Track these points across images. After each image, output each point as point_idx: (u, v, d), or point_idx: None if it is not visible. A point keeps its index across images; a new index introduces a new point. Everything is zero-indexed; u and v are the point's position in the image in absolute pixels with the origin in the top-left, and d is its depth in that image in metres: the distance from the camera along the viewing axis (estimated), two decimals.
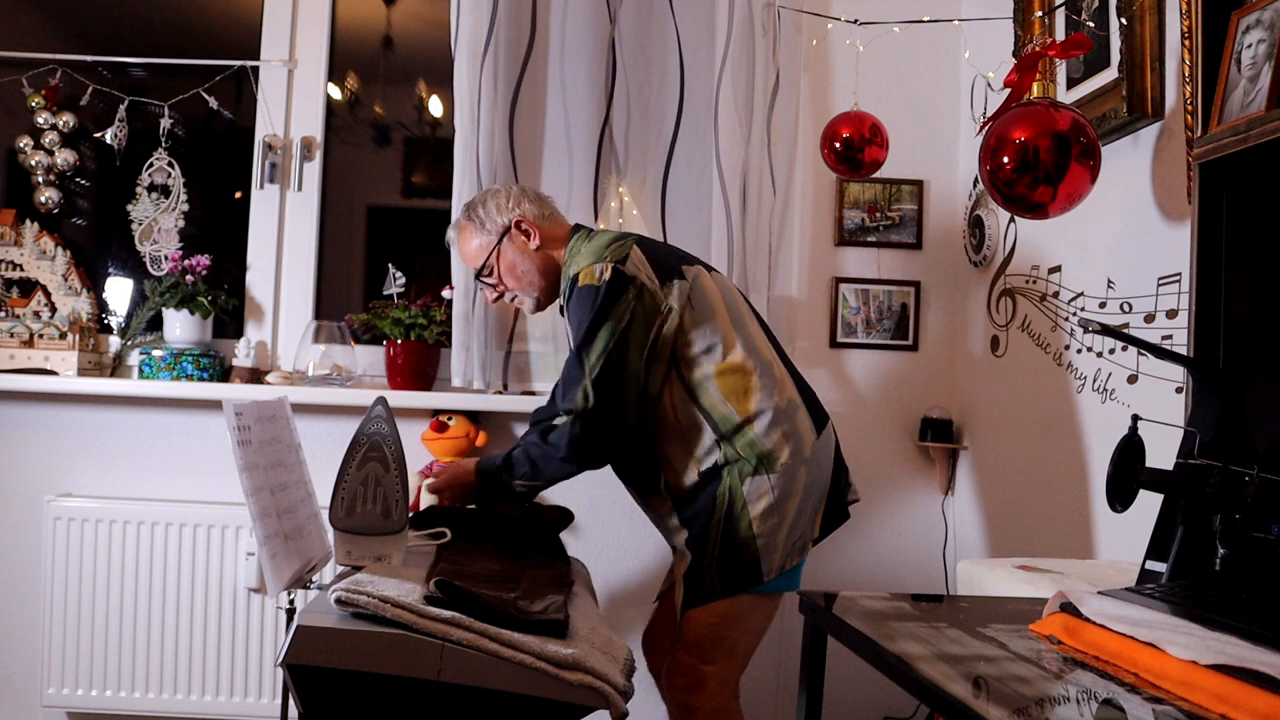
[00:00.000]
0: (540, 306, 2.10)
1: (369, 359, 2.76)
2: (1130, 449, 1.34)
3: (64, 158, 2.78)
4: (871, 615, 1.29)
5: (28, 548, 2.62)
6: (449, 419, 2.61)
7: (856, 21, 2.49)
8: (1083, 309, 2.14)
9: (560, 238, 2.07)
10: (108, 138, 2.73)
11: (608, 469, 2.01)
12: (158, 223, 2.78)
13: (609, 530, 2.71)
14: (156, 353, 2.63)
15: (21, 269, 2.70)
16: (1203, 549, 1.31)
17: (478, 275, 2.07)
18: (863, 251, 2.80)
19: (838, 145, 2.43)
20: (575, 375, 1.86)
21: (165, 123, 2.77)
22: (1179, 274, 1.81)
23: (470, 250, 2.07)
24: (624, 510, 2.71)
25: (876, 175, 2.55)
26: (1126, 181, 1.99)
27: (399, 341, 2.63)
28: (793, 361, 2.07)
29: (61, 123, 2.77)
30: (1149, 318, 1.89)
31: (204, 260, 2.70)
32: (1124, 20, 1.91)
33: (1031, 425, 2.37)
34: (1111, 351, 2.04)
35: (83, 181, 2.87)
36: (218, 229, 2.87)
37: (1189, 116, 1.73)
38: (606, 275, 1.85)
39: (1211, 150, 1.51)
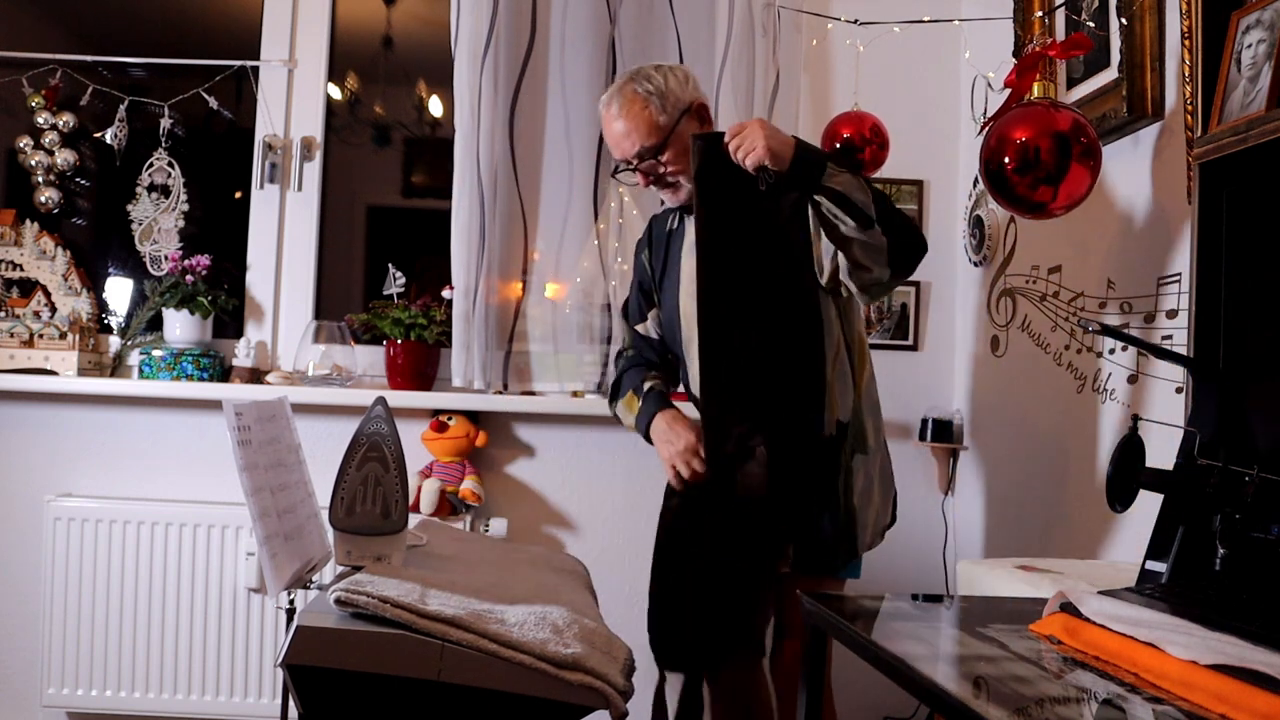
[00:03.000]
0: (688, 198, 1.94)
1: (369, 359, 2.76)
2: (1130, 449, 1.34)
3: (64, 158, 2.78)
4: (871, 615, 1.29)
5: (28, 548, 2.62)
6: (449, 419, 2.61)
7: (856, 21, 2.49)
8: (1083, 309, 2.14)
9: None
10: (108, 138, 2.73)
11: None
12: (158, 223, 2.78)
13: (609, 530, 2.71)
14: (156, 353, 2.63)
15: (21, 269, 2.70)
16: (1203, 549, 1.31)
17: (641, 157, 1.89)
18: None
19: (838, 145, 2.43)
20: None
21: (165, 123, 2.77)
22: (1179, 274, 1.81)
23: (641, 128, 1.86)
24: (624, 510, 2.71)
25: (876, 175, 2.55)
26: (1126, 181, 1.99)
27: (399, 341, 2.63)
28: None
29: (61, 123, 2.77)
30: (1149, 318, 1.89)
31: (204, 260, 2.70)
32: (1124, 20, 1.91)
33: (1031, 425, 2.37)
34: (1111, 351, 2.04)
35: (83, 181, 2.87)
36: (218, 229, 2.87)
37: (1189, 116, 1.73)
38: None
39: (1211, 150, 1.51)
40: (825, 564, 1.86)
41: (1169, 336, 1.81)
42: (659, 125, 1.87)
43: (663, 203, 2.11)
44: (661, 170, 1.90)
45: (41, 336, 2.63)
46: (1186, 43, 1.73)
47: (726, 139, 1.74)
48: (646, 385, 2.03)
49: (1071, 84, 2.14)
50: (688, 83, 1.91)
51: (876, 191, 1.75)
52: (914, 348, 2.80)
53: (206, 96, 2.76)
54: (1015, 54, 2.31)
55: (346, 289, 2.98)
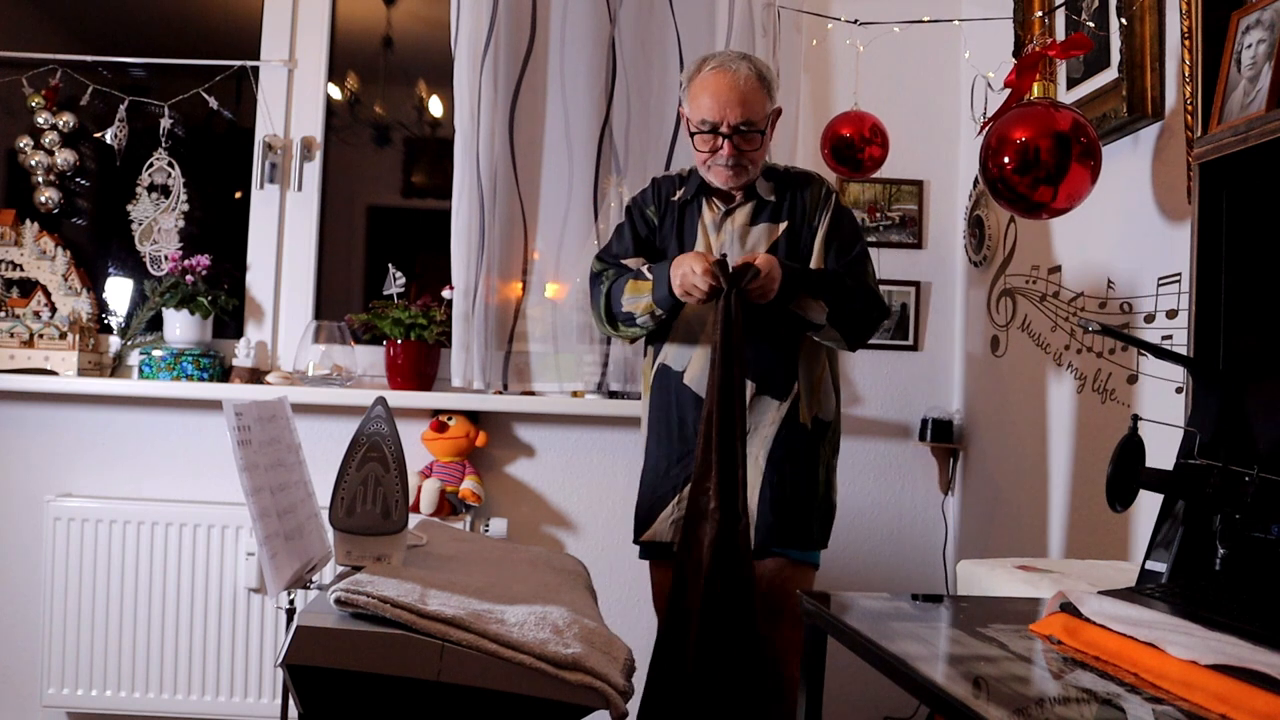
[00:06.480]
0: (743, 185, 2.05)
1: (369, 359, 2.76)
2: (1130, 449, 1.34)
3: (64, 158, 2.78)
4: (871, 615, 1.29)
5: (28, 548, 2.62)
6: (449, 419, 2.61)
7: (856, 21, 2.49)
8: (1083, 309, 2.14)
9: None
10: (108, 138, 2.73)
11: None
12: (158, 223, 2.78)
13: (609, 530, 2.71)
14: (156, 353, 2.63)
15: (21, 269, 2.70)
16: (1203, 549, 1.31)
17: (737, 129, 1.96)
18: None
19: (838, 145, 2.43)
20: (867, 271, 2.06)
21: (165, 123, 2.77)
22: (1179, 274, 1.81)
23: (754, 104, 1.97)
24: (624, 510, 2.71)
25: (876, 175, 2.55)
26: (1126, 181, 1.99)
27: (399, 341, 2.63)
28: None
29: (61, 123, 2.77)
30: (1149, 318, 1.89)
31: (204, 260, 2.70)
32: (1124, 20, 1.91)
33: (1031, 425, 2.37)
34: (1111, 351, 2.04)
35: (83, 181, 2.87)
36: (218, 229, 2.87)
37: (1189, 116, 1.73)
38: None
39: (1211, 150, 1.51)
40: (806, 547, 2.03)
41: (1169, 336, 1.81)
42: (767, 112, 2.01)
43: (667, 173, 2.20)
44: (745, 148, 1.99)
45: (41, 336, 2.63)
46: (1186, 43, 1.73)
47: (747, 282, 1.87)
48: (645, 267, 2.05)
49: (1071, 84, 2.14)
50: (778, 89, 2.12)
51: (838, 294, 1.96)
52: (914, 348, 2.80)
53: (206, 96, 2.76)
54: (1015, 54, 2.31)
55: (346, 289, 2.98)
